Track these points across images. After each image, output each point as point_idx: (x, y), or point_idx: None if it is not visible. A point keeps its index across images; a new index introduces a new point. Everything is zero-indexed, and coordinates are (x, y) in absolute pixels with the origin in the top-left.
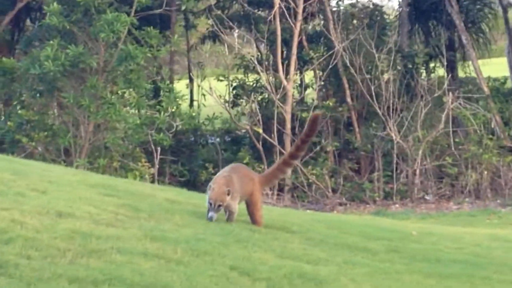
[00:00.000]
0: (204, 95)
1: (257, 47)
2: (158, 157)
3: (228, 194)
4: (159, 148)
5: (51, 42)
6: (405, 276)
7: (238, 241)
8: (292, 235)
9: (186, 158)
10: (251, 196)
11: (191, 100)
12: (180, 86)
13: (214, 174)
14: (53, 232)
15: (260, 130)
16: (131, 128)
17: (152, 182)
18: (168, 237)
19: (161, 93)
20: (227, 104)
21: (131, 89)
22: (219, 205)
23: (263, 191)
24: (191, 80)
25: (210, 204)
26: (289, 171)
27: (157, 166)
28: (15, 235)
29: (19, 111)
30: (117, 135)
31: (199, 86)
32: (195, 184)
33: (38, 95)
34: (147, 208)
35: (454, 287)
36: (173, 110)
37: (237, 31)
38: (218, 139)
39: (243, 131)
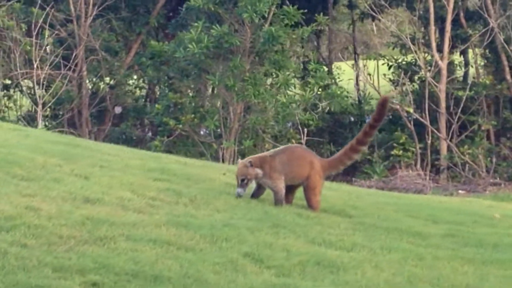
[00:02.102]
0: (370, 74)
1: (413, 25)
2: (305, 138)
3: (251, 166)
4: (305, 129)
5: (196, 24)
6: (442, 262)
7: (271, 227)
8: (343, 219)
9: (343, 139)
10: (308, 180)
11: (357, 80)
12: (345, 66)
13: (370, 154)
14: (65, 219)
15: (411, 110)
16: (278, 109)
17: None
18: (192, 223)
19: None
20: (376, 84)
21: (277, 70)
22: (242, 179)
23: (324, 176)
24: (356, 59)
25: (237, 180)
26: (356, 157)
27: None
28: (20, 222)
29: (168, 94)
30: (264, 116)
31: (364, 66)
32: (353, 164)
33: (185, 77)
34: (194, 193)
35: (492, 274)
36: (319, 91)
37: (393, 9)
38: None
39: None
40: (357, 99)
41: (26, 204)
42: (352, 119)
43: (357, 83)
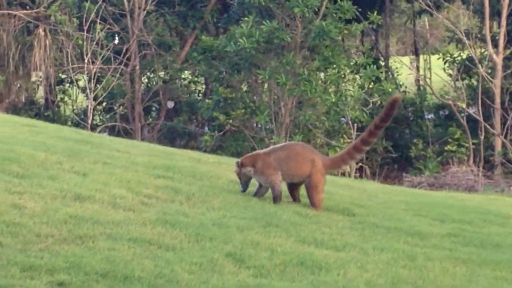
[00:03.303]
0: (430, 69)
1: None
2: (355, 133)
3: (239, 167)
4: (355, 125)
5: (246, 19)
6: (433, 263)
7: (264, 226)
8: (344, 218)
9: (399, 134)
10: (309, 178)
11: (415, 75)
12: (404, 61)
13: (423, 150)
14: (48, 217)
15: (464, 105)
16: (329, 104)
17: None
18: (181, 222)
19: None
20: (428, 80)
21: (328, 65)
22: (240, 178)
23: (326, 174)
24: (416, 54)
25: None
26: (359, 156)
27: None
28: (1, 220)
29: (219, 89)
30: (315, 111)
31: (425, 60)
32: (407, 160)
33: (236, 72)
34: (193, 190)
35: (484, 275)
36: (370, 86)
37: (449, 4)
38: (432, 115)
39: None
40: (415, 94)
41: (12, 202)
42: (410, 115)
43: (416, 78)
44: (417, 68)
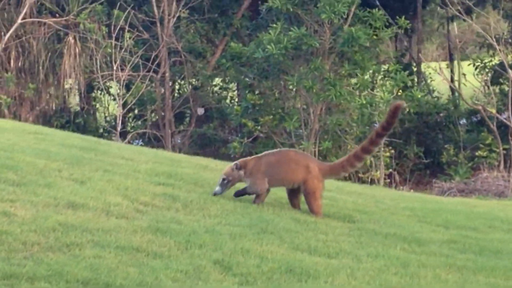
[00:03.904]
0: (464, 74)
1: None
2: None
3: (237, 169)
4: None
5: (274, 25)
6: (427, 270)
7: (258, 233)
8: (343, 224)
9: (431, 139)
10: (305, 184)
11: (452, 81)
12: (442, 66)
13: (455, 155)
14: (36, 225)
15: (494, 111)
16: (358, 110)
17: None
18: (173, 229)
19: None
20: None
21: (356, 71)
22: (223, 179)
23: (323, 180)
24: (451, 59)
25: (219, 178)
26: (359, 164)
27: (382, 149)
28: None
29: (247, 95)
30: (345, 117)
31: (457, 65)
32: (439, 165)
33: (264, 79)
34: (191, 198)
35: (477, 281)
36: (399, 92)
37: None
38: (464, 120)
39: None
40: (448, 100)
41: (2, 209)
42: (443, 120)
43: (450, 84)
44: (451, 73)
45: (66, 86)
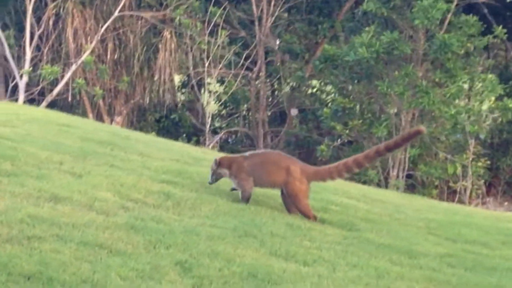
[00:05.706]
0: None
1: None
2: (472, 149)
3: (216, 165)
4: (472, 140)
5: (367, 28)
6: (401, 283)
7: (240, 236)
8: (339, 232)
9: None
10: (286, 187)
11: None
12: None
13: None
14: (6, 216)
15: None
16: (447, 119)
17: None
18: (149, 228)
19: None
20: None
21: (449, 79)
22: (212, 172)
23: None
24: None
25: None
26: (347, 175)
27: (470, 159)
28: None
29: (337, 98)
30: (436, 125)
31: None
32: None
33: (355, 82)
34: (188, 197)
35: None
36: (491, 102)
37: None
38: None
39: None
40: None
41: None
42: None
43: None
44: None
45: (162, 80)
